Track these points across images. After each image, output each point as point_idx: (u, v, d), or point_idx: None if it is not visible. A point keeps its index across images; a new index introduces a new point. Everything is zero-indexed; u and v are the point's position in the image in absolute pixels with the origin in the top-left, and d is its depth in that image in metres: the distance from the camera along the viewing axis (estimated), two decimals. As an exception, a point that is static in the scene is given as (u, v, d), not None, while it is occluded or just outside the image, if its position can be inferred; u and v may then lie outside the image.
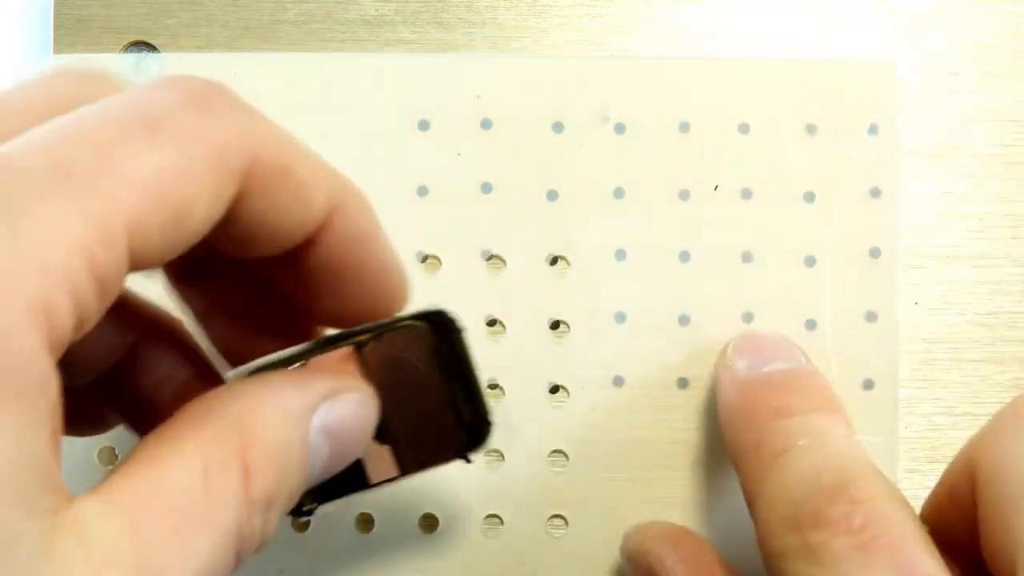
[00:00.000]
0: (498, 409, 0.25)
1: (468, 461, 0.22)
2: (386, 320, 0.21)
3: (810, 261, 0.26)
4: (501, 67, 0.26)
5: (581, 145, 0.26)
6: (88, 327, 0.16)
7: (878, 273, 0.25)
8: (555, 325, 0.26)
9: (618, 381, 0.25)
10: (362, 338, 0.21)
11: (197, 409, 0.18)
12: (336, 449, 0.19)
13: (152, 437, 0.17)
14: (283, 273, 0.20)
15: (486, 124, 0.26)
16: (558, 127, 0.26)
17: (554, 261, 0.26)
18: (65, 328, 0.15)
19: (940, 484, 0.22)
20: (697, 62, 0.26)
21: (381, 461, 0.22)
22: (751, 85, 0.26)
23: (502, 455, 0.25)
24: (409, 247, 0.26)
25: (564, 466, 0.25)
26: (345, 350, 0.21)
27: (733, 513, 0.25)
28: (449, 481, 0.25)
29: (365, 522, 0.25)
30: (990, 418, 0.20)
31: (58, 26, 0.27)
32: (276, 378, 0.19)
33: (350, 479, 0.22)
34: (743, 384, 0.23)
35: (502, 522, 0.25)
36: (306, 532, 0.25)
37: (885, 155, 0.26)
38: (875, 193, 0.26)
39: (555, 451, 0.25)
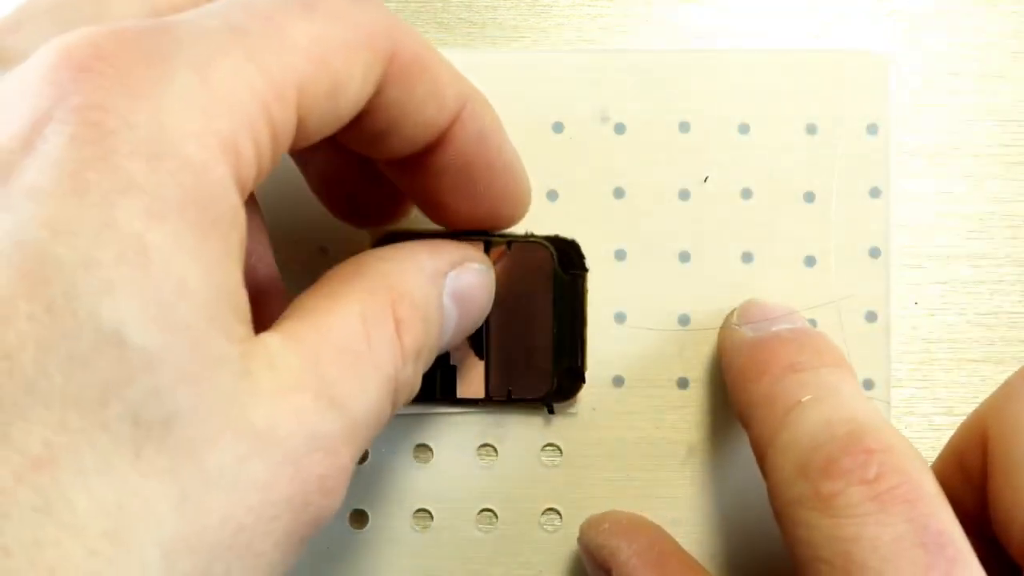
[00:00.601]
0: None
1: (551, 411, 0.23)
2: (518, 233, 0.24)
3: (810, 261, 0.26)
4: (501, 67, 0.26)
5: (581, 145, 0.26)
6: (260, 180, 0.17)
7: (878, 273, 0.25)
8: (555, 325, 0.26)
9: (618, 381, 0.25)
10: (492, 239, 0.23)
11: (344, 270, 0.19)
12: (463, 315, 0.21)
13: (307, 293, 0.18)
14: (411, 176, 0.21)
15: (486, 124, 0.26)
16: (558, 127, 0.26)
17: (554, 261, 0.26)
18: (249, 170, 0.16)
19: (948, 450, 0.21)
20: (695, 54, 0.26)
21: (472, 377, 0.24)
22: (749, 79, 0.26)
23: (496, 450, 0.25)
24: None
25: (558, 462, 0.25)
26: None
27: (731, 513, 0.25)
28: (443, 476, 0.25)
29: (359, 517, 0.25)
30: (1001, 384, 0.20)
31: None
32: (409, 245, 0.20)
33: (441, 385, 0.24)
34: (752, 344, 0.23)
35: (496, 516, 0.25)
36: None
37: (885, 155, 0.26)
38: (875, 193, 0.26)
39: (549, 445, 0.25)
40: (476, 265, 0.21)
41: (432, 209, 0.22)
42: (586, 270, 0.24)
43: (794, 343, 0.22)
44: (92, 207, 0.14)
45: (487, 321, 0.23)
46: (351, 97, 0.17)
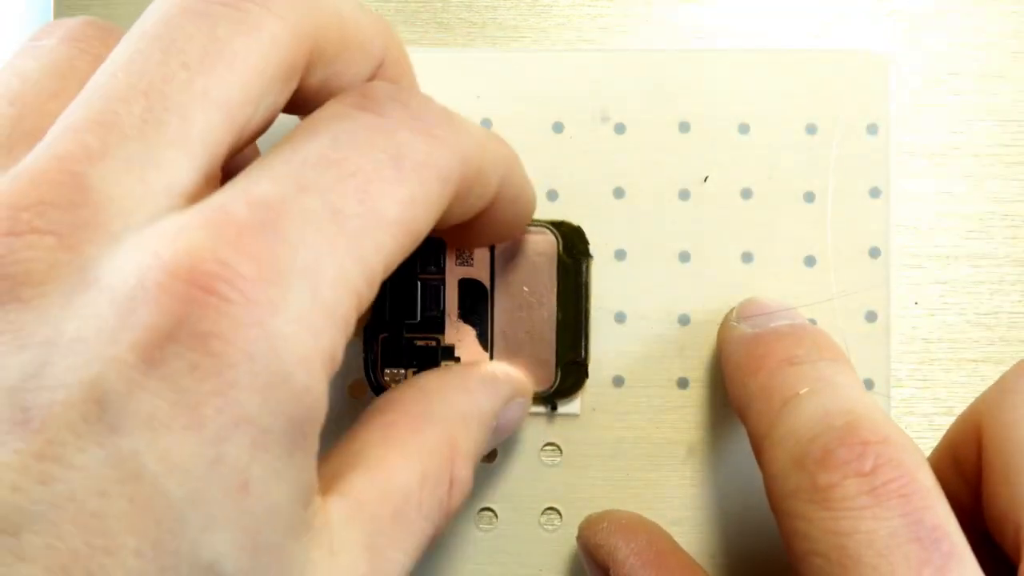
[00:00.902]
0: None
1: (554, 409, 0.23)
2: None
3: (810, 261, 0.26)
4: (501, 67, 0.26)
5: (581, 145, 0.26)
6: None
7: (878, 273, 0.25)
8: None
9: (618, 381, 0.25)
10: None
11: (409, 408, 0.20)
12: (492, 443, 0.22)
13: (379, 433, 0.19)
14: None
15: (486, 124, 0.26)
16: (558, 127, 0.26)
17: (554, 261, 0.26)
18: (339, 363, 0.16)
19: (942, 444, 0.21)
20: (696, 54, 0.26)
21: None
22: (749, 79, 0.26)
23: (496, 450, 0.25)
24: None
25: (558, 462, 0.25)
26: None
27: (731, 512, 0.25)
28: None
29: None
30: (997, 379, 0.20)
31: (59, 26, 0.27)
32: (473, 378, 0.22)
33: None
34: (750, 339, 0.23)
35: (496, 516, 0.25)
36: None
37: (885, 155, 0.26)
38: (874, 193, 0.26)
39: (548, 445, 0.25)
40: (522, 400, 0.23)
41: (451, 238, 0.22)
42: (590, 256, 0.24)
43: (792, 337, 0.22)
44: (206, 444, 0.14)
45: (492, 310, 0.23)
46: (420, 241, 0.18)
